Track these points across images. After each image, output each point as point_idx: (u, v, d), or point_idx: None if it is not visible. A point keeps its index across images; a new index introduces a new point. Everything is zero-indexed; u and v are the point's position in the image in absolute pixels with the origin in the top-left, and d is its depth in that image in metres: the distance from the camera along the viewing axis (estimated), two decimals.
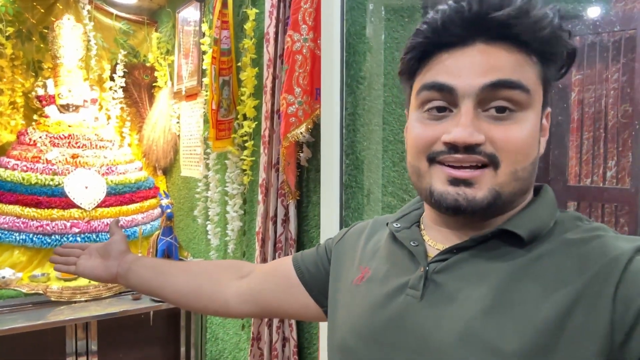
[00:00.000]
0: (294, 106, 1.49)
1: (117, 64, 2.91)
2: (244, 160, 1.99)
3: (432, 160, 0.55)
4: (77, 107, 2.62)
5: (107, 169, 2.48)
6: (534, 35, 0.52)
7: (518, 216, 0.55)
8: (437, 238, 0.61)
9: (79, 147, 2.48)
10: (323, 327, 1.51)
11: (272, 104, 1.71)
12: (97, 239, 2.33)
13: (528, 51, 0.53)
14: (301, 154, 1.66)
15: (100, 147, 2.55)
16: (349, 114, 1.50)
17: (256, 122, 1.94)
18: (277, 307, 0.83)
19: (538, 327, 0.47)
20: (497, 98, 0.52)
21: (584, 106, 0.94)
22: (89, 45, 2.77)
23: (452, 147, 0.52)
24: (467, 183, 0.52)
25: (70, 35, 2.61)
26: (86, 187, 2.36)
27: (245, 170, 2.01)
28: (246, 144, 1.98)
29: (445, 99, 0.54)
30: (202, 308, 0.90)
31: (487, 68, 0.51)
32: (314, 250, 0.83)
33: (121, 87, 2.91)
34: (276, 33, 1.67)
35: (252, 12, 1.90)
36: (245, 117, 1.99)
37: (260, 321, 1.79)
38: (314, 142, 1.64)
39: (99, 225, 2.34)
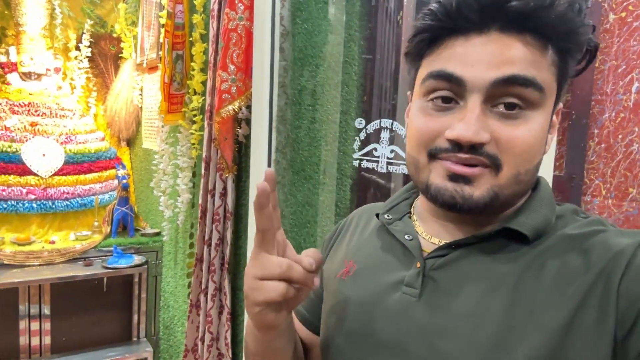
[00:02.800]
0: (227, 83, 1.54)
1: (83, 33, 2.92)
2: (193, 134, 2.04)
3: (433, 156, 0.52)
4: (39, 76, 2.65)
5: (66, 138, 2.52)
6: (555, 29, 0.48)
7: (521, 214, 0.52)
8: (432, 231, 0.58)
9: (38, 115, 2.52)
10: None
11: (214, 80, 1.75)
12: (53, 206, 2.39)
13: (546, 44, 0.49)
14: (239, 130, 1.71)
15: (60, 116, 2.59)
16: (281, 93, 1.54)
17: (204, 97, 1.98)
18: None
19: (548, 328, 0.45)
20: (507, 94, 0.48)
21: None
22: (53, 13, 2.78)
23: (456, 145, 0.49)
24: (466, 180, 0.50)
25: (33, 2, 2.61)
26: (43, 155, 2.41)
27: (194, 144, 2.06)
28: (195, 119, 2.02)
29: (452, 90, 0.50)
30: None
31: (501, 60, 0.48)
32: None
33: (87, 57, 2.93)
34: (219, 10, 1.70)
35: None
36: (195, 92, 2.03)
37: (200, 289, 1.86)
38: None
39: (55, 192, 2.39)
